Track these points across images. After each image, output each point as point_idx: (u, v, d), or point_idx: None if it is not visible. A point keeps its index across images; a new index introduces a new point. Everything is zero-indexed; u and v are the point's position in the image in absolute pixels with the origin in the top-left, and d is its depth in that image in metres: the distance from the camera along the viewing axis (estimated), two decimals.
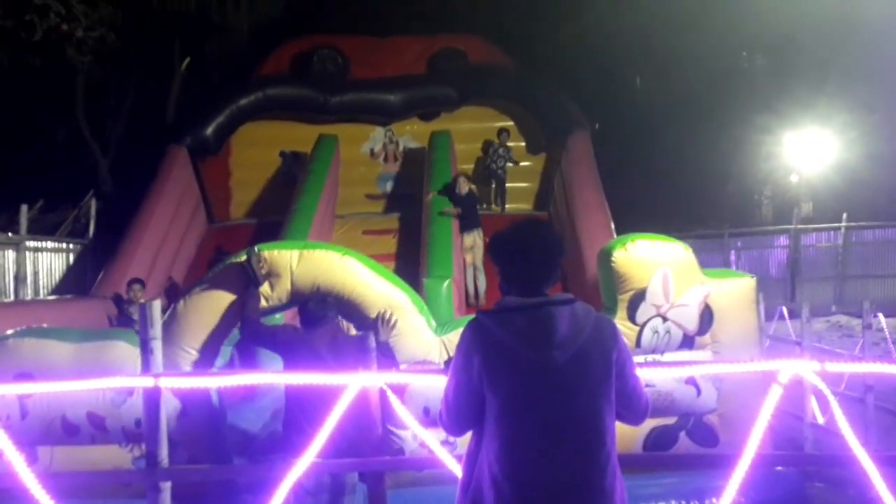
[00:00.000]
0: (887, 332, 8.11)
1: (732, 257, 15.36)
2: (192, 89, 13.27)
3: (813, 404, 5.98)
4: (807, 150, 17.21)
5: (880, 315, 6.76)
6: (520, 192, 11.22)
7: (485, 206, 10.48)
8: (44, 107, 12.91)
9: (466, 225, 8.83)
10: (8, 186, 9.84)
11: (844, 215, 14.76)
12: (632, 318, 4.40)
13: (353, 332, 4.37)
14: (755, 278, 4.74)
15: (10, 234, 8.94)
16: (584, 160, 9.94)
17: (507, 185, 10.75)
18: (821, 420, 5.98)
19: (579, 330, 1.96)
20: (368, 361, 3.06)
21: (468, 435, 2.08)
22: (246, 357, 5.12)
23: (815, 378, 2.79)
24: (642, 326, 4.39)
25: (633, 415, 2.10)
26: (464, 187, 9.04)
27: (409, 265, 8.44)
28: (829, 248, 14.94)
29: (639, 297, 4.39)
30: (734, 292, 4.60)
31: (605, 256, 4.51)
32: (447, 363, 2.65)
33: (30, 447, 4.08)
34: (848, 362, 3.59)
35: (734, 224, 16.17)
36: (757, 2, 15.82)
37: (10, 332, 4.47)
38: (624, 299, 4.42)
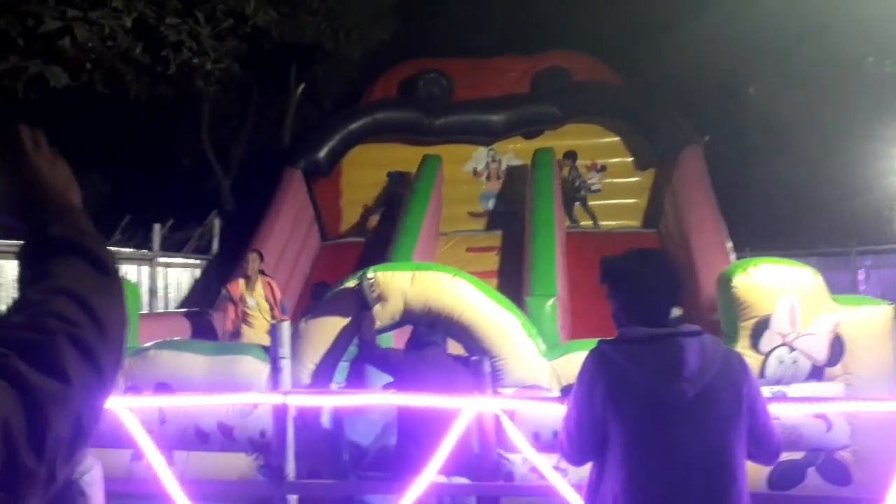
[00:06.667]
0: None
1: (861, 276, 14.21)
2: (307, 114, 13.99)
3: None
4: None
5: None
6: (627, 208, 10.96)
7: (577, 223, 10.52)
8: (173, 133, 14.05)
9: None
10: (143, 208, 10.73)
11: None
12: (755, 346, 4.19)
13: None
14: (893, 306, 4.40)
15: (145, 250, 9.73)
16: (696, 176, 9.58)
17: (610, 201, 10.73)
18: None
19: (708, 364, 1.91)
20: (483, 386, 3.10)
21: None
22: (358, 373, 5.32)
23: None
24: (767, 356, 4.17)
25: (766, 454, 2.01)
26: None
27: (512, 283, 8.40)
28: None
29: (762, 324, 4.17)
30: (869, 321, 4.29)
31: (726, 282, 4.33)
32: (564, 391, 2.64)
33: (167, 451, 4.42)
34: None
35: (862, 241, 14.98)
36: (884, 3, 14.67)
37: (149, 344, 4.88)
38: (746, 327, 4.22)
